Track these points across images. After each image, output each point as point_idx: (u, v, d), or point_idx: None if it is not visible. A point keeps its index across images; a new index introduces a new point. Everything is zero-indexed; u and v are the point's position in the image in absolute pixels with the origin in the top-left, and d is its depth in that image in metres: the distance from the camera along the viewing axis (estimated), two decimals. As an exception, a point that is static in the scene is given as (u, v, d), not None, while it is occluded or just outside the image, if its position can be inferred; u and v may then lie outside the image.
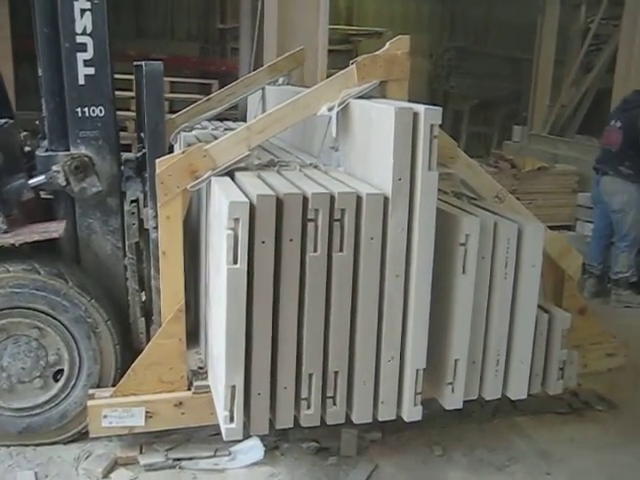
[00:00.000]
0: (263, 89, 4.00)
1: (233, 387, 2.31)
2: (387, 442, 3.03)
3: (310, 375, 2.40)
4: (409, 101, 2.65)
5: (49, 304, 2.68)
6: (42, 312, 2.69)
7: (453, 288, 2.49)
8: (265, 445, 2.93)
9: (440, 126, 2.30)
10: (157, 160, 2.58)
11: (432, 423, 3.14)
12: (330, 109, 2.61)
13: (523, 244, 2.55)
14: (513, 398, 2.71)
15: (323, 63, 5.70)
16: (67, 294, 2.68)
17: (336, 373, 2.43)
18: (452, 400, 2.59)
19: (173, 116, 3.94)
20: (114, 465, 2.78)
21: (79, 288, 2.70)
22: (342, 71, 2.71)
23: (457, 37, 9.53)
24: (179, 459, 2.82)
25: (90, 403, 2.66)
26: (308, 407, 2.44)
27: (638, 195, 4.79)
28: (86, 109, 2.86)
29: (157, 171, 2.55)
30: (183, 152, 2.56)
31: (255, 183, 2.40)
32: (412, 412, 2.48)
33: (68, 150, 2.88)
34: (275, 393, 2.39)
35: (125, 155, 3.26)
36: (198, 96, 5.63)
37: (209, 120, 4.13)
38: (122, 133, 3.79)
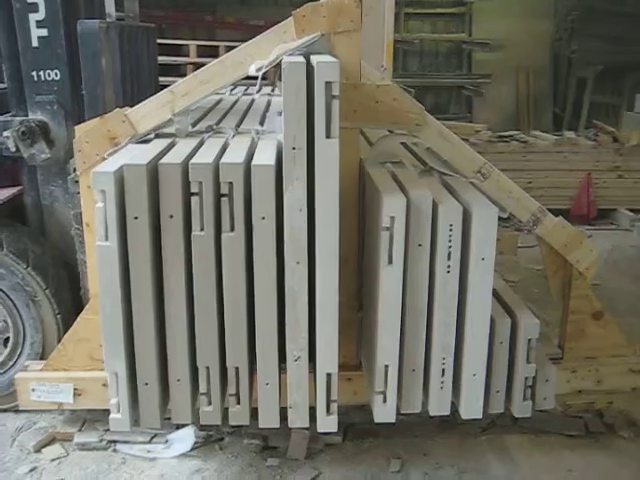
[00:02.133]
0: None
1: (115, 374, 2.11)
2: (344, 448, 2.70)
3: (207, 368, 2.14)
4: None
5: (-16, 271, 2.65)
6: (-19, 279, 2.67)
7: (379, 281, 2.09)
8: (210, 436, 2.73)
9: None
10: (76, 126, 2.41)
11: (406, 430, 2.76)
12: (259, 69, 2.28)
13: (472, 231, 2.07)
14: (464, 417, 2.25)
15: (389, 25, 5.25)
16: (2, 261, 2.63)
17: (237, 369, 2.14)
18: (383, 411, 2.20)
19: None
20: (52, 440, 2.72)
21: (15, 255, 2.64)
22: (279, 24, 2.36)
23: (586, -6, 8.47)
24: (114, 441, 2.69)
25: (18, 375, 2.60)
26: (209, 403, 2.18)
27: None
28: (41, 72, 2.77)
29: (75, 138, 2.39)
30: (101, 117, 2.38)
31: (151, 151, 2.15)
32: (325, 422, 2.12)
33: (27, 115, 2.82)
34: (168, 385, 2.16)
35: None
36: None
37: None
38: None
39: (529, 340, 2.20)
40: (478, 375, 2.19)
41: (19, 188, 2.84)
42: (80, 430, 2.74)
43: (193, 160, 1.99)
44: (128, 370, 2.11)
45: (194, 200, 1.99)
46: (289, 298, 2.04)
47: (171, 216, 2.00)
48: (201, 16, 8.54)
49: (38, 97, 2.78)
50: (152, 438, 2.70)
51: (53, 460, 2.61)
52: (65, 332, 2.69)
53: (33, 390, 2.58)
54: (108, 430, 2.72)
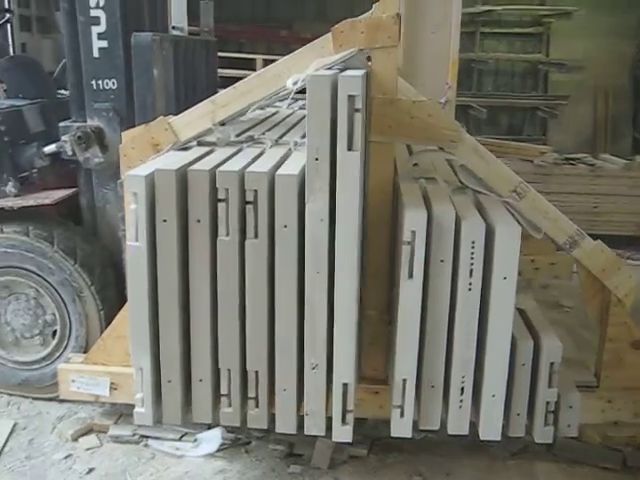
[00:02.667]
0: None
1: (141, 370, 2.20)
2: (368, 461, 2.70)
3: (228, 370, 2.20)
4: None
5: (37, 265, 2.81)
6: (34, 273, 2.84)
7: (400, 295, 2.09)
8: (238, 439, 2.79)
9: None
10: (123, 133, 2.55)
11: (434, 449, 2.74)
12: (295, 82, 2.34)
13: (494, 249, 2.05)
14: (482, 437, 2.21)
15: (455, 44, 5.21)
16: (53, 257, 2.79)
17: (257, 373, 2.19)
18: (400, 426, 2.20)
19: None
20: (89, 430, 2.84)
21: (65, 252, 2.79)
22: (318, 39, 2.42)
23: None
24: (146, 436, 2.79)
25: (60, 366, 2.75)
26: (229, 405, 2.24)
27: None
28: (100, 81, 2.93)
29: (121, 144, 2.52)
30: (146, 124, 2.50)
31: (186, 157, 2.24)
32: (340, 431, 2.14)
33: (85, 121, 2.99)
34: (190, 384, 2.23)
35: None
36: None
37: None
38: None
39: (551, 364, 2.15)
40: (498, 396, 2.15)
41: (73, 190, 3.01)
42: (115, 423, 2.86)
43: (221, 168, 2.06)
44: (153, 367, 2.19)
45: (221, 206, 2.06)
46: (308, 306, 2.07)
47: (198, 220, 2.08)
48: (277, 32, 8.73)
49: (96, 104, 2.94)
50: (182, 436, 2.78)
51: (87, 449, 2.73)
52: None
53: (73, 381, 2.71)
54: (142, 425, 2.82)
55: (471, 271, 2.07)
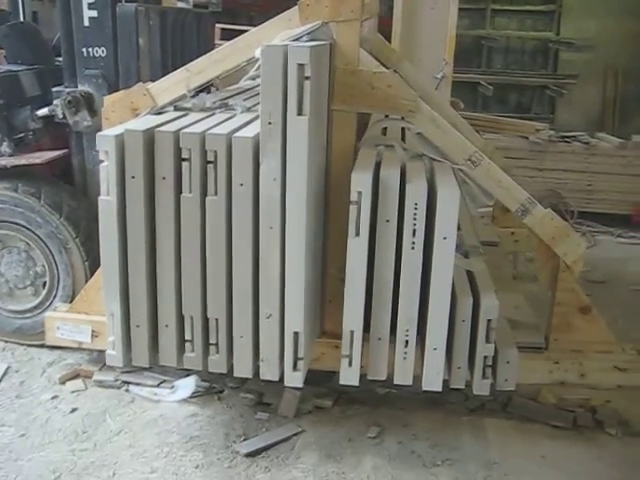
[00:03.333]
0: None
1: (112, 315, 2.39)
2: (331, 412, 2.88)
3: (191, 317, 2.38)
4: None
5: (26, 220, 3.02)
6: (24, 227, 3.04)
7: (347, 251, 2.25)
8: (212, 388, 2.99)
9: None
10: (105, 97, 2.72)
11: (395, 403, 2.91)
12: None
13: (436, 211, 2.19)
14: (425, 388, 2.37)
15: (453, 20, 5.28)
16: (40, 211, 2.99)
17: (217, 321, 2.37)
18: (349, 374, 2.36)
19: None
20: (75, 375, 3.06)
21: (51, 207, 2.99)
22: (285, 12, 2.56)
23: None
24: (127, 382, 3.00)
25: (47, 314, 2.96)
26: (192, 350, 2.42)
27: None
28: (90, 49, 3.10)
29: (103, 107, 2.69)
30: (126, 90, 2.67)
31: (158, 120, 2.40)
32: (291, 377, 2.32)
33: (76, 87, 3.17)
34: (157, 330, 2.42)
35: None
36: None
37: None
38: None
39: (489, 320, 2.29)
40: (439, 349, 2.31)
41: (64, 151, 3.20)
42: (100, 369, 3.07)
43: (185, 130, 2.23)
44: (123, 312, 2.38)
45: (184, 165, 2.23)
46: (262, 259, 2.24)
47: (164, 178, 2.25)
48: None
49: (87, 71, 3.13)
50: (160, 383, 2.99)
51: (73, 392, 2.95)
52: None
53: (58, 328, 2.93)
54: (126, 372, 3.03)
55: (414, 231, 2.22)
